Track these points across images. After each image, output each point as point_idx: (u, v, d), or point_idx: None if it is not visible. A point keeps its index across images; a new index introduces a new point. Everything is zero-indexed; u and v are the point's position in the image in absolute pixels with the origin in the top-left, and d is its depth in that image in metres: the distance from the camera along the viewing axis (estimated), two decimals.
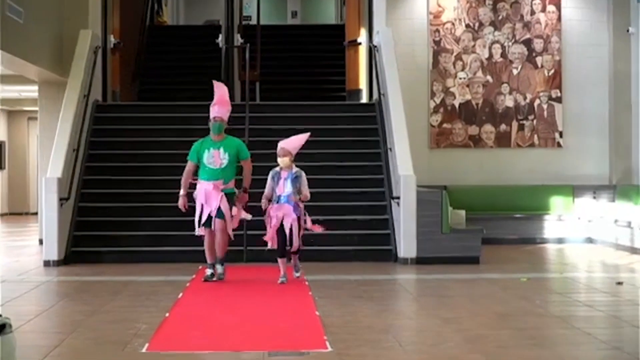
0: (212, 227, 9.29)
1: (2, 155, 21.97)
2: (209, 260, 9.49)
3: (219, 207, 9.21)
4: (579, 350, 6.25)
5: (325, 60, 17.46)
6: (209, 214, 9.24)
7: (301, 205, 9.08)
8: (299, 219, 9.04)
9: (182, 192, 9.44)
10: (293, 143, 9.16)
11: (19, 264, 11.65)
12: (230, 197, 9.36)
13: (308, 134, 9.26)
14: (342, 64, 15.84)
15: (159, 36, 18.57)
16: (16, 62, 12.18)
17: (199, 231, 9.39)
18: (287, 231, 8.96)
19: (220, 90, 9.58)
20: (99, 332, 6.82)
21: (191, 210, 9.50)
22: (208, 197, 9.27)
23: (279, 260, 9.18)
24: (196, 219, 9.31)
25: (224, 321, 7.17)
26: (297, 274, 9.45)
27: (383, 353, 6.10)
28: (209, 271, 9.50)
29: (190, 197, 9.51)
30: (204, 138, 9.56)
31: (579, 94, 15.25)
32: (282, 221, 8.98)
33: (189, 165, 9.53)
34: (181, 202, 9.44)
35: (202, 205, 9.28)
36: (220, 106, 9.48)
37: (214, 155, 9.36)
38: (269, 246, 9.20)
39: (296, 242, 9.05)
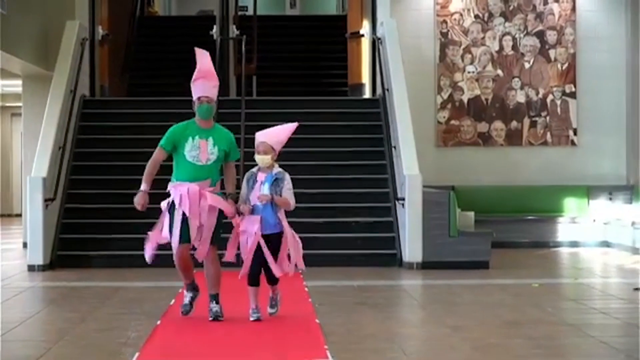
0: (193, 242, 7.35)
1: None
2: (186, 280, 7.62)
3: (215, 229, 7.31)
4: None
5: (325, 53, 17.48)
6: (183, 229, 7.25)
7: (282, 218, 7.27)
8: (279, 236, 7.27)
9: (143, 186, 7.39)
10: (277, 136, 7.39)
11: (2, 268, 11.64)
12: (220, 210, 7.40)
13: (295, 124, 7.51)
14: (344, 57, 15.84)
15: (149, 27, 18.59)
16: None
17: (152, 251, 7.52)
18: (265, 251, 7.18)
19: (203, 58, 7.49)
20: (86, 341, 6.81)
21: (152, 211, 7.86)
22: (193, 204, 7.23)
23: (250, 289, 7.34)
24: (171, 234, 7.33)
25: (218, 330, 7.17)
26: (273, 310, 7.58)
27: None
28: (188, 296, 7.67)
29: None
30: (187, 121, 7.54)
31: (594, 89, 15.25)
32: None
33: (159, 154, 7.46)
34: (140, 200, 7.37)
35: (183, 215, 7.26)
36: (205, 80, 7.43)
37: (200, 147, 7.31)
38: (241, 273, 7.32)
39: (275, 269, 7.24)
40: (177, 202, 7.24)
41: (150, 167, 7.43)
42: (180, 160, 7.34)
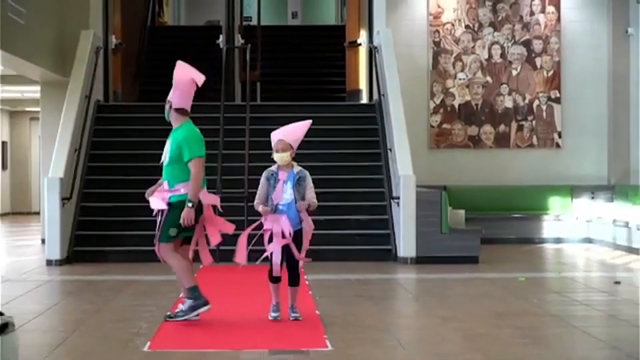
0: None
1: (4, 155, 21.98)
2: (193, 282, 7.15)
3: (161, 227, 6.98)
4: (576, 350, 6.27)
5: (325, 61, 17.46)
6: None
7: (306, 216, 6.95)
8: (300, 232, 6.93)
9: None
10: (294, 133, 7.02)
11: (22, 263, 11.67)
12: (175, 208, 6.91)
13: (309, 121, 7.17)
14: (343, 64, 15.85)
15: (160, 37, 18.56)
16: (18, 62, 12.19)
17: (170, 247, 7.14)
18: (294, 251, 6.91)
19: (182, 69, 7.21)
20: (101, 331, 6.84)
21: None
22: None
23: (272, 285, 7.05)
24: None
25: (224, 320, 7.18)
26: (297, 314, 7.08)
27: (383, 352, 6.12)
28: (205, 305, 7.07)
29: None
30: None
31: (577, 95, 15.26)
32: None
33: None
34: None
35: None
36: (183, 93, 7.13)
37: (165, 147, 7.15)
38: (275, 273, 6.96)
39: (301, 259, 6.98)
40: None
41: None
42: None
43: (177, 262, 6.98)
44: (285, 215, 6.84)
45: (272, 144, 6.95)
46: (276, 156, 6.91)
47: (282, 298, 7.09)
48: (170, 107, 7.07)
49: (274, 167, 6.96)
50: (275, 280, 6.96)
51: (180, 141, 6.95)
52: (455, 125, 15.22)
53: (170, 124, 7.19)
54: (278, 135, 6.94)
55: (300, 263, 6.99)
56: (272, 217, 6.85)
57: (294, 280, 7.04)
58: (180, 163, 6.92)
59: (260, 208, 6.87)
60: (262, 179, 6.96)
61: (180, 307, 7.07)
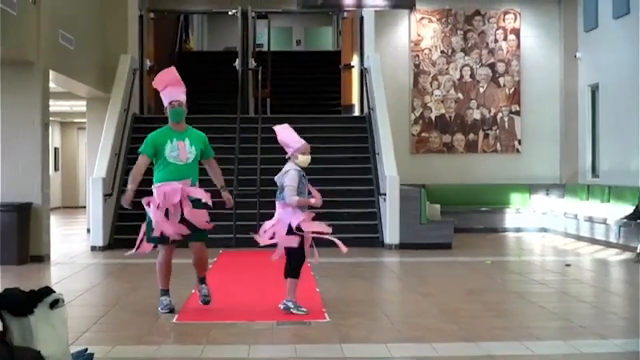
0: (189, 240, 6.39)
1: (56, 159, 21.96)
2: (163, 286, 6.48)
3: (197, 226, 6.24)
4: (534, 321, 6.26)
5: (324, 81, 17.43)
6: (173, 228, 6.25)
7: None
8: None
9: (130, 185, 6.47)
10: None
11: (70, 249, 11.65)
12: (199, 207, 6.30)
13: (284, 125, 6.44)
14: (338, 83, 15.82)
15: (186, 60, 18.53)
16: (68, 81, 12.17)
17: (143, 247, 6.44)
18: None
19: (167, 72, 6.65)
20: (136, 306, 6.83)
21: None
22: (172, 199, 6.21)
23: (294, 281, 6.32)
24: (155, 229, 6.32)
25: (240, 297, 7.17)
26: (285, 306, 6.33)
27: (372, 323, 6.10)
28: (165, 301, 6.39)
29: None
30: (162, 128, 6.49)
31: (534, 109, 15.25)
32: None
33: (142, 160, 6.44)
34: (128, 198, 6.45)
35: (166, 211, 6.28)
36: (172, 87, 6.48)
37: (179, 148, 6.31)
38: (314, 260, 6.45)
39: (316, 256, 6.46)
40: (159, 198, 6.27)
41: (136, 169, 6.47)
42: (161, 162, 6.35)
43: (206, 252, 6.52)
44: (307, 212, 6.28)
45: (296, 147, 6.20)
46: (305, 158, 6.22)
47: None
48: (179, 104, 6.43)
49: (298, 167, 6.23)
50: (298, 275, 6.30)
51: (204, 140, 6.49)
52: (432, 134, 15.20)
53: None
54: (300, 140, 6.25)
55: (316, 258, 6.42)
56: (308, 217, 6.24)
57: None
58: (196, 161, 6.41)
59: (314, 201, 6.20)
60: (297, 176, 6.15)
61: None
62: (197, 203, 6.31)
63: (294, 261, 6.30)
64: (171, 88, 6.44)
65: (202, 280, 6.65)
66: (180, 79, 6.53)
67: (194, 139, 6.42)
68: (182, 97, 6.45)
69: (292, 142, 6.28)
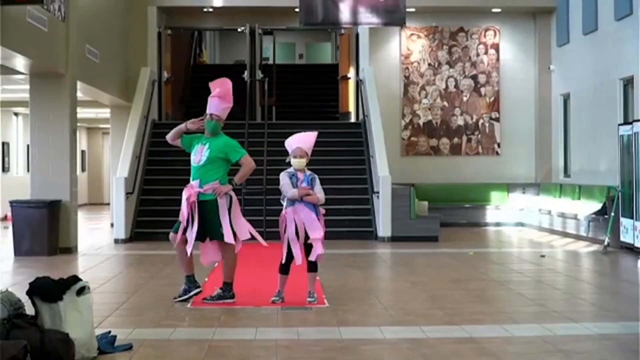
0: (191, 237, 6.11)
1: (83, 161, 21.95)
2: (187, 272, 6.30)
3: (219, 228, 6.03)
4: (513, 306, 6.24)
5: (323, 90, 17.39)
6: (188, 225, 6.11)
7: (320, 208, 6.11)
8: (318, 219, 5.99)
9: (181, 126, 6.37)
10: (308, 142, 6.08)
11: (96, 241, 11.64)
12: (209, 206, 6.05)
13: (315, 132, 6.19)
14: (336, 92, 15.79)
15: (200, 72, 18.46)
16: (93, 91, 12.17)
17: (172, 236, 6.24)
18: (312, 236, 5.95)
19: (225, 84, 6.32)
20: (155, 293, 6.81)
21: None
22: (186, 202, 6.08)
23: (281, 276, 6.12)
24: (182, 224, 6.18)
25: (248, 284, 7.14)
26: (312, 299, 6.06)
27: (367, 308, 6.09)
28: (199, 291, 6.25)
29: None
30: (202, 134, 6.38)
31: (512, 116, 15.23)
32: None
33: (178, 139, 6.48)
34: (183, 125, 6.40)
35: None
36: (220, 100, 6.21)
37: (198, 151, 6.19)
38: (299, 262, 5.98)
39: (320, 249, 5.95)
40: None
41: (177, 128, 6.41)
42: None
43: (234, 255, 6.28)
44: (303, 205, 5.95)
45: (290, 150, 6.03)
46: (295, 161, 5.99)
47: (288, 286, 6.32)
48: (217, 119, 6.20)
49: (291, 170, 6.05)
50: (286, 271, 6.10)
51: (225, 145, 6.15)
52: (420, 138, 15.17)
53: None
54: (296, 143, 6.01)
55: (319, 251, 6.01)
56: (292, 209, 5.94)
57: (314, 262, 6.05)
58: (213, 166, 6.10)
59: (295, 191, 5.92)
60: (285, 177, 5.99)
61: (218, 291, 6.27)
62: (209, 205, 6.07)
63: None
64: (218, 100, 6.20)
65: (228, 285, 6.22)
66: (230, 94, 6.26)
67: (215, 144, 6.14)
68: (222, 113, 6.22)
69: (287, 147, 6.10)
